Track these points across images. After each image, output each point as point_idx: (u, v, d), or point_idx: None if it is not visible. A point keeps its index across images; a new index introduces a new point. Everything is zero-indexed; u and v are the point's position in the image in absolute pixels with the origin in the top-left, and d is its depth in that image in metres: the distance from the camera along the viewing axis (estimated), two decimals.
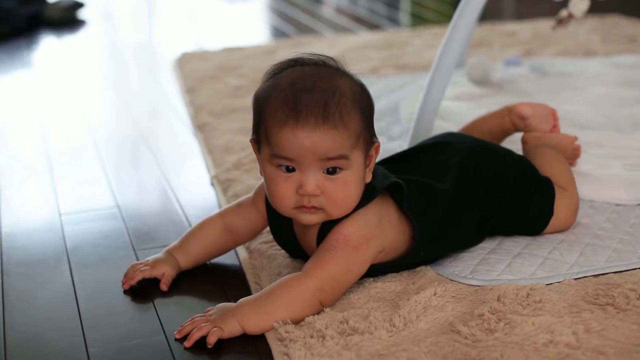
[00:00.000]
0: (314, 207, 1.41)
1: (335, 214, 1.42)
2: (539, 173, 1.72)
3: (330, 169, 1.39)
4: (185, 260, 1.61)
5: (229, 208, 1.65)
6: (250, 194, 1.63)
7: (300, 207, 1.41)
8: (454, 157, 1.66)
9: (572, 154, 1.88)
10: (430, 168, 1.64)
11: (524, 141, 1.86)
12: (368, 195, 1.46)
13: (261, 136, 1.42)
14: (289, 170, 1.40)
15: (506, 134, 1.91)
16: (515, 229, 1.69)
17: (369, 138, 1.43)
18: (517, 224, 1.68)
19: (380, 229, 1.47)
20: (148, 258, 1.62)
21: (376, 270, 1.52)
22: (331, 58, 1.46)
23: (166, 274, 1.57)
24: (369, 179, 1.46)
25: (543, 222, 1.69)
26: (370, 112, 1.44)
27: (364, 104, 1.42)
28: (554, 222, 1.69)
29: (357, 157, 1.40)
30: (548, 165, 1.76)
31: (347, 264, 1.43)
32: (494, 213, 1.64)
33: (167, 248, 1.63)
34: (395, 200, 1.51)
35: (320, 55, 1.46)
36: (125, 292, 1.57)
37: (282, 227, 1.56)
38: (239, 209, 1.63)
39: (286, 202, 1.42)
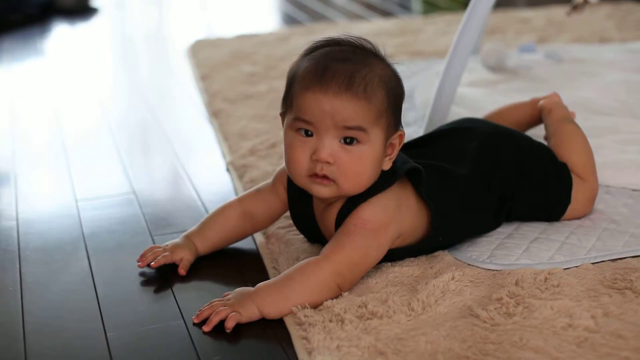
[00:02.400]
0: (326, 178, 1.41)
1: (346, 188, 1.42)
2: (557, 160, 1.72)
3: (347, 139, 1.39)
4: (204, 245, 1.61)
5: (248, 193, 1.65)
6: (270, 180, 1.64)
7: (313, 177, 1.42)
8: (472, 142, 1.66)
9: None
10: (449, 153, 1.64)
11: (547, 109, 1.85)
12: (387, 180, 1.47)
13: (288, 104, 1.44)
14: (308, 135, 1.41)
15: (533, 124, 1.90)
16: (533, 215, 1.68)
17: (392, 123, 1.43)
18: (534, 211, 1.68)
19: (399, 213, 1.47)
20: (167, 243, 1.62)
21: (394, 255, 1.52)
22: (369, 41, 1.47)
23: (184, 258, 1.58)
24: (387, 166, 1.45)
25: (561, 209, 1.68)
26: (398, 99, 1.44)
27: (392, 86, 1.43)
28: (571, 210, 1.69)
29: (376, 134, 1.40)
30: (571, 149, 1.74)
31: (366, 248, 1.43)
32: (512, 198, 1.64)
33: (185, 233, 1.63)
34: (414, 186, 1.51)
35: (360, 37, 1.47)
36: (143, 277, 1.57)
37: (301, 211, 1.56)
38: (258, 194, 1.64)
39: (300, 167, 1.42)
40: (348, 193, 1.44)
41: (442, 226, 1.53)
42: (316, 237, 1.58)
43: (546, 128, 1.82)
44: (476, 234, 1.63)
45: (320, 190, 1.43)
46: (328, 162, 1.39)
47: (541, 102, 1.87)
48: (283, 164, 1.52)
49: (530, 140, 1.74)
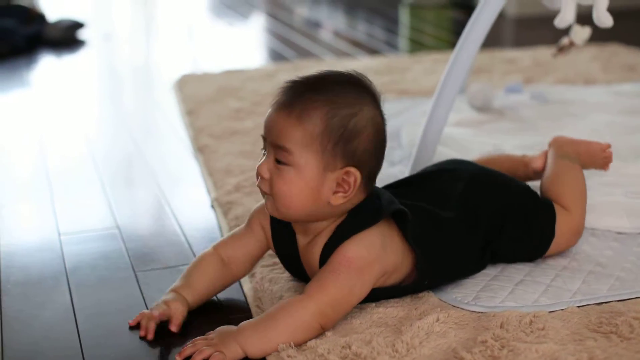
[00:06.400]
0: (264, 191, 1.45)
1: (280, 208, 1.44)
2: (540, 199, 1.72)
3: (277, 159, 1.42)
4: (192, 296, 1.54)
5: (222, 240, 1.62)
6: (244, 224, 1.61)
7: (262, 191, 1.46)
8: (458, 183, 1.66)
9: (602, 162, 1.86)
10: (434, 195, 1.64)
11: (549, 145, 1.87)
12: (373, 217, 1.46)
13: None
14: (264, 152, 1.45)
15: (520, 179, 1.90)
16: (518, 252, 1.68)
17: (335, 156, 1.41)
18: (519, 248, 1.67)
19: (384, 252, 1.47)
20: (156, 302, 1.52)
21: (378, 295, 1.52)
22: (363, 82, 1.47)
23: (177, 312, 1.49)
24: (334, 202, 1.44)
25: (544, 246, 1.68)
26: (347, 135, 1.41)
27: (342, 122, 1.41)
28: (554, 245, 1.69)
29: (306, 161, 1.41)
30: (559, 181, 1.76)
31: (350, 287, 1.42)
32: (496, 240, 1.63)
33: (171, 288, 1.56)
34: (399, 228, 1.51)
35: (361, 77, 1.48)
36: (125, 313, 1.55)
37: (285, 246, 1.55)
38: (232, 238, 1.61)
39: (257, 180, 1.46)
40: (284, 216, 1.46)
41: (426, 269, 1.52)
42: (301, 273, 1.57)
43: (547, 163, 1.84)
44: (461, 276, 1.62)
45: (265, 202, 1.47)
46: (263, 177, 1.43)
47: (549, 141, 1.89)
48: (257, 204, 1.57)
49: (514, 181, 1.75)
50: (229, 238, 1.61)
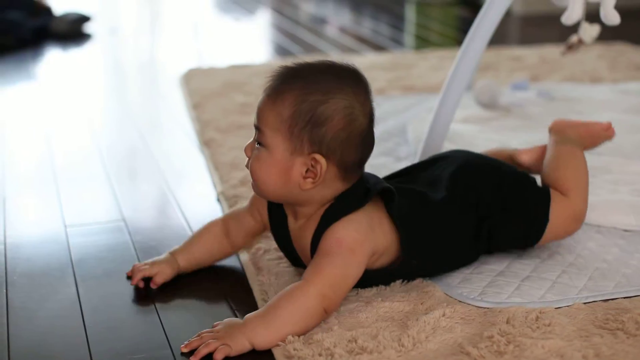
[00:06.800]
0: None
1: (255, 184, 1.51)
2: (536, 184, 1.72)
3: (257, 140, 1.48)
4: (186, 260, 1.66)
5: (229, 213, 1.72)
6: (247, 202, 1.69)
7: None
8: (449, 167, 1.67)
9: (605, 138, 1.85)
10: (426, 180, 1.66)
11: (550, 129, 1.86)
12: (360, 199, 1.49)
13: None
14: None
15: None
16: (511, 239, 1.67)
17: (302, 142, 1.43)
18: (512, 233, 1.66)
19: (372, 232, 1.49)
20: (152, 259, 1.67)
21: (371, 278, 1.53)
22: (354, 74, 1.48)
23: (160, 272, 1.63)
24: (304, 187, 1.46)
25: (538, 230, 1.67)
26: (315, 120, 1.43)
27: (311, 107, 1.43)
28: (550, 230, 1.67)
29: (276, 143, 1.45)
30: (558, 166, 1.74)
31: (345, 267, 1.44)
32: (489, 221, 1.63)
33: (171, 250, 1.68)
34: (386, 207, 1.52)
35: (352, 69, 1.49)
36: (131, 304, 1.56)
37: (278, 230, 1.59)
38: (236, 215, 1.70)
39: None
40: (262, 194, 1.52)
41: (412, 248, 1.53)
42: (296, 259, 1.59)
43: (547, 148, 1.83)
44: (455, 260, 1.63)
45: (252, 183, 1.52)
46: (247, 156, 1.50)
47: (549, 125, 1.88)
48: None
49: (509, 166, 1.75)
50: (234, 213, 1.70)
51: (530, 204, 1.67)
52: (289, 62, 1.50)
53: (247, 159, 1.50)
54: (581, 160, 1.77)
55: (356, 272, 1.47)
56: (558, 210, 1.68)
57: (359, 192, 1.50)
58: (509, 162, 1.86)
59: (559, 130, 1.84)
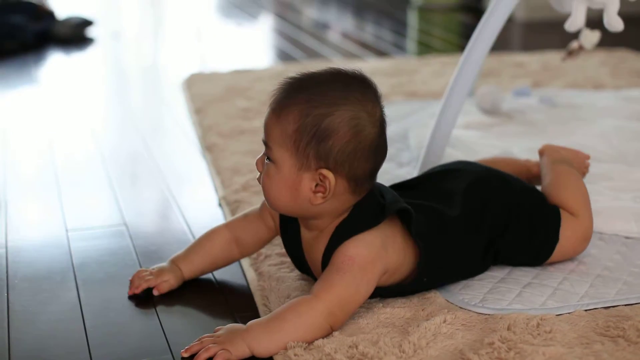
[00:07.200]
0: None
1: (266, 199, 1.48)
2: (546, 201, 1.71)
3: (266, 155, 1.46)
4: (189, 270, 1.65)
5: (236, 219, 1.68)
6: (257, 206, 1.66)
7: None
8: (461, 183, 1.66)
9: (580, 171, 1.87)
10: (439, 195, 1.64)
11: (540, 153, 1.86)
12: (375, 218, 1.46)
13: None
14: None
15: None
16: (520, 257, 1.67)
17: (308, 157, 1.41)
18: (521, 252, 1.66)
19: (384, 251, 1.47)
20: (153, 267, 1.65)
21: (380, 294, 1.52)
22: (362, 81, 1.45)
23: (162, 284, 1.62)
24: (314, 202, 1.43)
25: (547, 250, 1.67)
26: (320, 135, 1.40)
27: (315, 121, 1.40)
28: (560, 250, 1.68)
29: (282, 157, 1.43)
30: (563, 186, 1.74)
31: (356, 285, 1.42)
32: (499, 239, 1.63)
33: (172, 257, 1.66)
34: (404, 224, 1.51)
35: (360, 76, 1.46)
36: (132, 309, 1.56)
37: (290, 239, 1.57)
38: (245, 219, 1.66)
39: None
40: (273, 208, 1.49)
41: (427, 267, 1.52)
42: (304, 267, 1.58)
43: (541, 171, 1.82)
44: (463, 276, 1.62)
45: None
46: (258, 171, 1.48)
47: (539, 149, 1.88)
48: None
49: (520, 182, 1.74)
50: (241, 219, 1.67)
51: (541, 225, 1.67)
52: (294, 72, 1.47)
53: (259, 173, 1.48)
54: (580, 179, 1.79)
55: (366, 291, 1.45)
56: (569, 231, 1.68)
57: (373, 208, 1.47)
58: (525, 173, 1.88)
59: (553, 151, 1.84)
